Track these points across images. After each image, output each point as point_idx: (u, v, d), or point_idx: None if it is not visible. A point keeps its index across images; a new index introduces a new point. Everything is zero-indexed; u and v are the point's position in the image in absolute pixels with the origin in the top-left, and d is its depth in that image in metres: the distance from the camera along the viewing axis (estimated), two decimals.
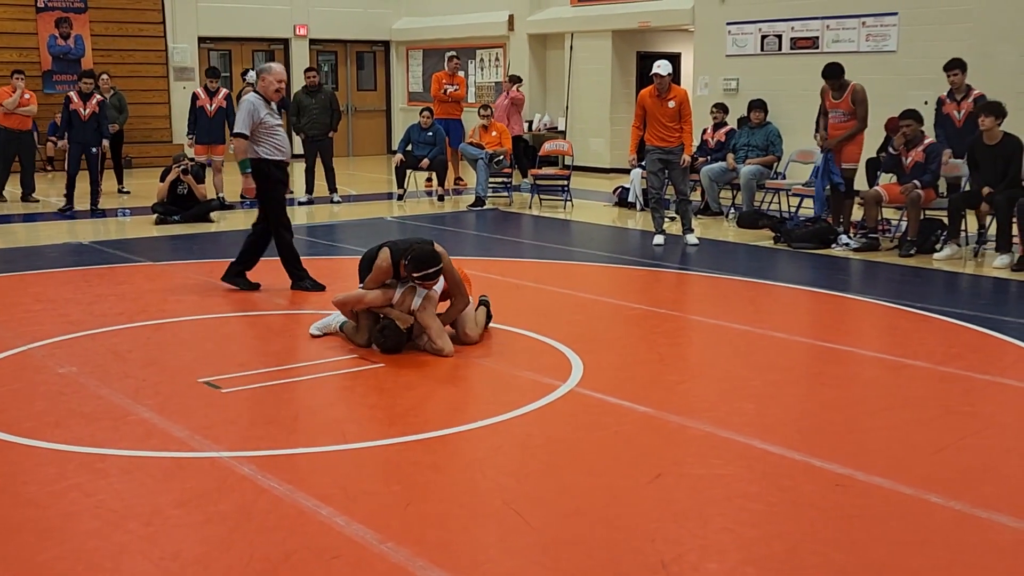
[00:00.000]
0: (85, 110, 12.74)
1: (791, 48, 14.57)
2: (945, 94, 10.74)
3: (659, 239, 10.50)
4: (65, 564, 3.44)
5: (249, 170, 7.82)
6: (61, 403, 5.19)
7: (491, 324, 6.71)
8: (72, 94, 12.92)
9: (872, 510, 3.92)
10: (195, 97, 13.37)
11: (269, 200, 7.97)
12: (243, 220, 12.33)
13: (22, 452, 4.52)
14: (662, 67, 10.15)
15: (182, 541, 3.61)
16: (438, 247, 6.19)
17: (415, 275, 6.04)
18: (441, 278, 6.21)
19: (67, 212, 12.59)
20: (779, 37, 14.71)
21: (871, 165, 11.68)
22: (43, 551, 3.54)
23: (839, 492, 4.10)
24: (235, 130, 7.82)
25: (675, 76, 17.25)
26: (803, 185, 11.89)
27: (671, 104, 10.19)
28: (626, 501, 4.01)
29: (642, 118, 10.39)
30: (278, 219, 8.01)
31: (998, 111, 9.39)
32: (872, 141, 11.33)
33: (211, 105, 13.24)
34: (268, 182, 7.89)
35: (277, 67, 7.95)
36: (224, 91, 13.49)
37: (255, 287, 7.99)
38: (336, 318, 6.54)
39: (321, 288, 7.92)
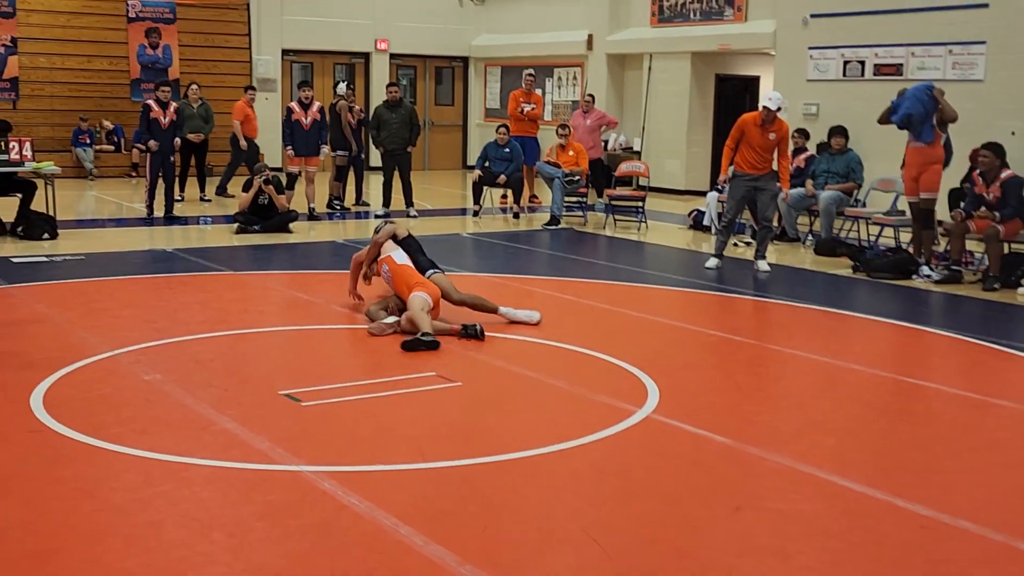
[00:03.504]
0: (165, 118, 12.88)
1: (874, 74, 14.36)
2: None
3: (713, 262, 10.41)
4: (151, 572, 3.51)
5: None
6: (147, 411, 5.31)
7: (565, 346, 6.72)
8: (151, 102, 13.00)
9: (960, 555, 3.84)
10: (290, 111, 13.57)
11: None
12: (330, 232, 12.51)
13: (109, 457, 4.63)
14: (773, 100, 10.06)
15: (265, 554, 3.67)
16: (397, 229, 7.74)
17: None
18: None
19: (150, 219, 12.86)
20: (862, 63, 14.51)
21: (954, 196, 11.46)
22: (130, 557, 3.62)
23: (923, 534, 4.03)
24: None
25: (752, 99, 17.30)
26: (883, 214, 11.72)
27: (772, 136, 10.14)
28: (704, 533, 3.98)
29: (737, 140, 10.31)
30: None
31: None
32: (956, 172, 11.12)
33: (306, 118, 13.43)
34: None
35: None
36: (318, 104, 13.68)
37: None
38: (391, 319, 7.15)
39: None
